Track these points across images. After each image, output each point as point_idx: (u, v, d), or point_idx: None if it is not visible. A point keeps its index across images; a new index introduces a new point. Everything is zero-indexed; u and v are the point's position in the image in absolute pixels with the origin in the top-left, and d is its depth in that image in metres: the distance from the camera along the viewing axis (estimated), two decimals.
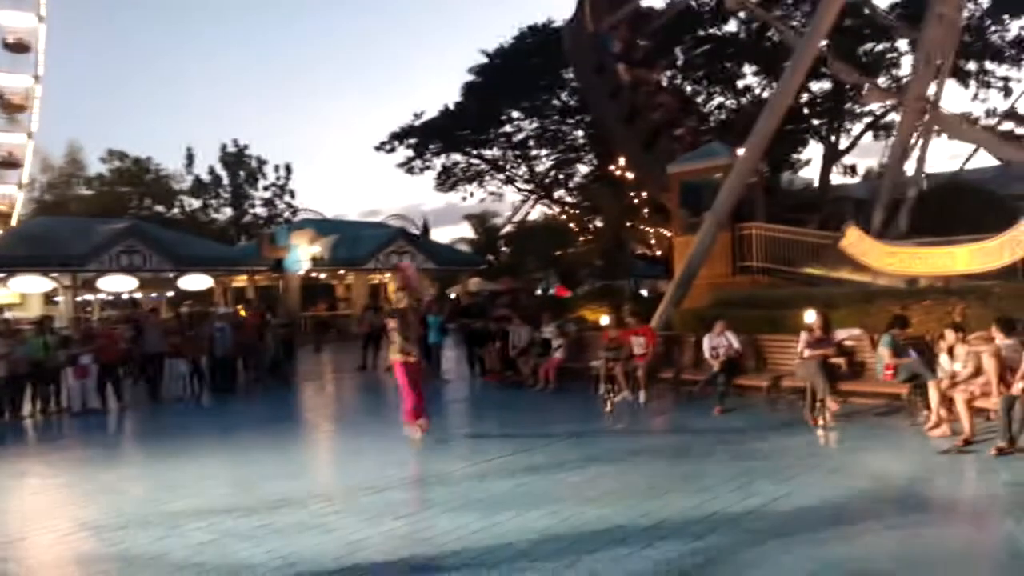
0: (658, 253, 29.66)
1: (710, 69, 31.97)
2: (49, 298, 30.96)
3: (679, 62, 32.81)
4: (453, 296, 35.96)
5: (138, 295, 31.42)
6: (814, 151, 36.44)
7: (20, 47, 50.74)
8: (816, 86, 28.41)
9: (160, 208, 46.30)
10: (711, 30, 31.79)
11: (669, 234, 22.14)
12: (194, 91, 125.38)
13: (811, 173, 34.97)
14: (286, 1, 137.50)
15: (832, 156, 30.41)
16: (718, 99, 33.47)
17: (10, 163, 51.86)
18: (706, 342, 11.03)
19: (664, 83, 25.38)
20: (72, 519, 6.59)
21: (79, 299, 28.97)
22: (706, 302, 14.57)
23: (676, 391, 11.72)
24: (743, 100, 31.38)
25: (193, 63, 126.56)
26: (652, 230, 27.74)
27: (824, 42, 16.85)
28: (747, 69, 31.04)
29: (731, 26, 30.88)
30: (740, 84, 31.67)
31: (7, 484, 8.14)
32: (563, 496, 6.52)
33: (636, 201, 25.93)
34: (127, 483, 7.85)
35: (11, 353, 12.41)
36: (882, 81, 26.76)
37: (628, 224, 28.39)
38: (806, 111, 29.40)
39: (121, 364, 14.18)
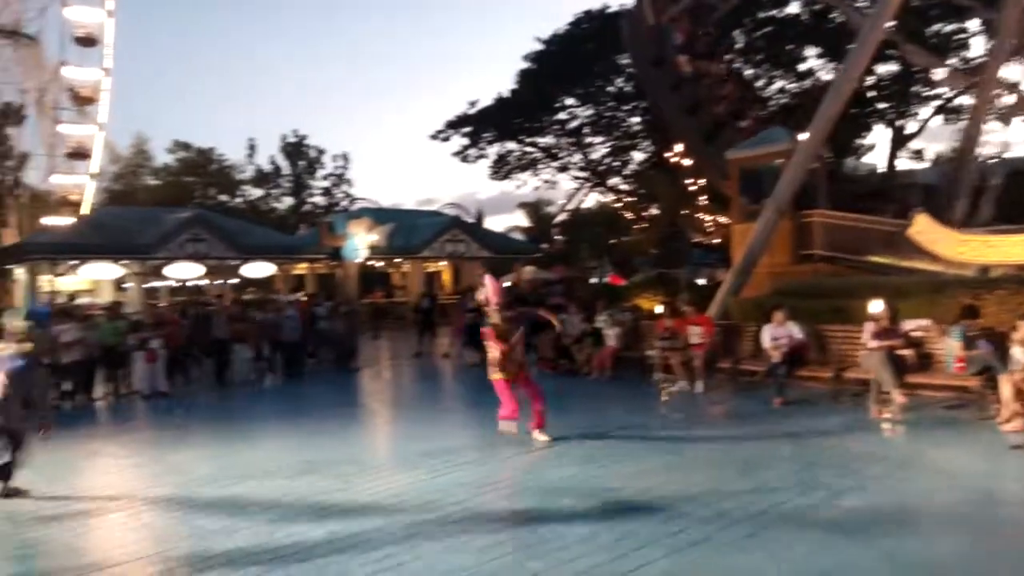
0: (716, 241, 29.15)
1: (771, 52, 31.26)
2: (119, 285, 32.11)
3: (739, 46, 32.17)
4: (508, 284, 36.05)
5: (203, 282, 32.36)
6: (880, 136, 35.36)
7: (89, 41, 52.44)
8: (882, 68, 27.48)
9: (223, 197, 47.49)
10: (772, 12, 31.04)
11: (727, 222, 21.76)
12: (256, 82, 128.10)
13: (876, 159, 33.93)
14: None
15: (899, 141, 29.44)
16: (779, 83, 32.72)
17: (80, 154, 53.71)
18: (766, 332, 10.79)
19: (728, 73, 24.82)
20: (142, 497, 6.84)
21: (147, 286, 29.95)
22: (766, 291, 14.29)
23: (735, 382, 11.53)
24: (805, 84, 30.56)
25: (254, 55, 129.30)
26: (710, 218, 27.28)
27: (891, 22, 16.26)
28: (809, 52, 30.22)
29: (793, 8, 30.09)
30: (802, 67, 30.87)
31: (81, 463, 8.49)
32: (618, 485, 6.48)
33: (693, 188, 25.52)
34: (194, 463, 8.10)
35: (84, 338, 12.91)
36: (953, 63, 25.72)
37: (685, 212, 27.98)
38: (871, 94, 28.48)
39: (188, 349, 14.61)
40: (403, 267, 36.39)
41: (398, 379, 15.58)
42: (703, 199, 26.09)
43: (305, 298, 19.69)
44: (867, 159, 34.76)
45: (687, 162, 23.67)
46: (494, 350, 8.33)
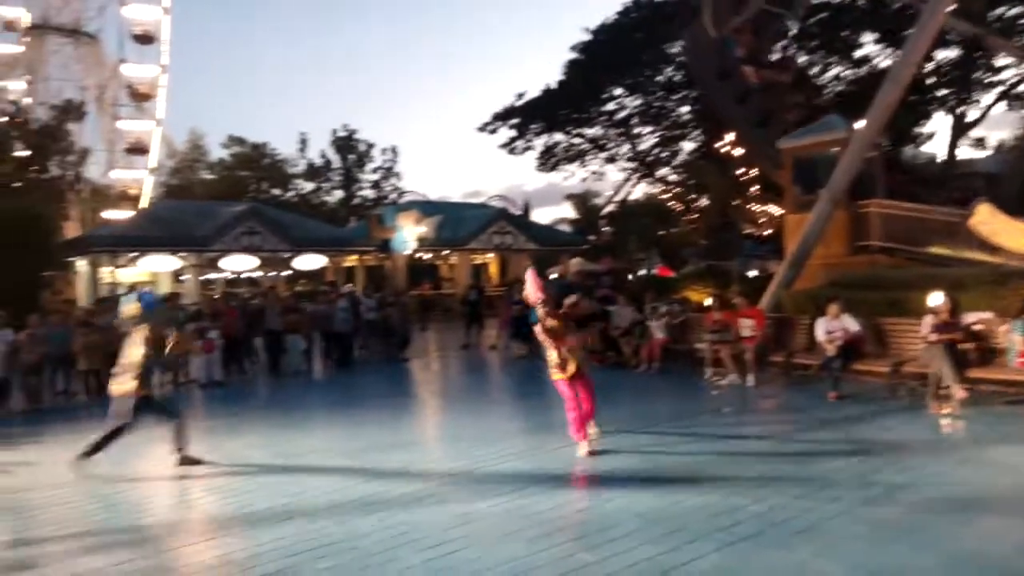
0: (768, 232, 28.61)
1: (826, 38, 30.45)
2: (177, 276, 33.01)
3: (792, 32, 31.41)
4: (555, 276, 35.97)
5: (257, 274, 33.06)
6: (940, 123, 34.28)
7: (146, 38, 54.06)
8: (942, 54, 26.58)
9: (276, 191, 48.41)
10: None
11: (780, 212, 21.34)
12: (307, 77, 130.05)
13: (937, 147, 32.90)
14: None
15: (960, 128, 28.45)
16: (835, 70, 31.89)
17: (139, 149, 55.48)
18: (820, 325, 10.57)
19: (797, 79, 24.23)
20: (199, 484, 7.05)
21: (204, 277, 30.72)
22: (820, 283, 13.99)
23: (787, 375, 11.33)
24: (861, 71, 29.74)
25: (306, 50, 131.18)
26: (761, 208, 26.79)
27: (951, 6, 15.71)
28: (866, 38, 29.37)
29: None
30: (858, 54, 30.02)
31: (140, 450, 8.77)
32: (669, 478, 6.44)
33: (744, 178, 25.09)
34: (250, 451, 8.30)
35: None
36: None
37: (735, 202, 27.53)
38: (931, 81, 27.57)
39: (244, 340, 14.95)
40: (450, 259, 36.63)
41: (446, 370, 15.70)
42: (755, 189, 25.64)
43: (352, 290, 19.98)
44: (927, 147, 33.70)
45: (738, 151, 23.28)
46: (551, 351, 7.82)
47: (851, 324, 10.34)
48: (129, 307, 8.12)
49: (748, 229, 31.75)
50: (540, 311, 7.87)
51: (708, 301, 13.68)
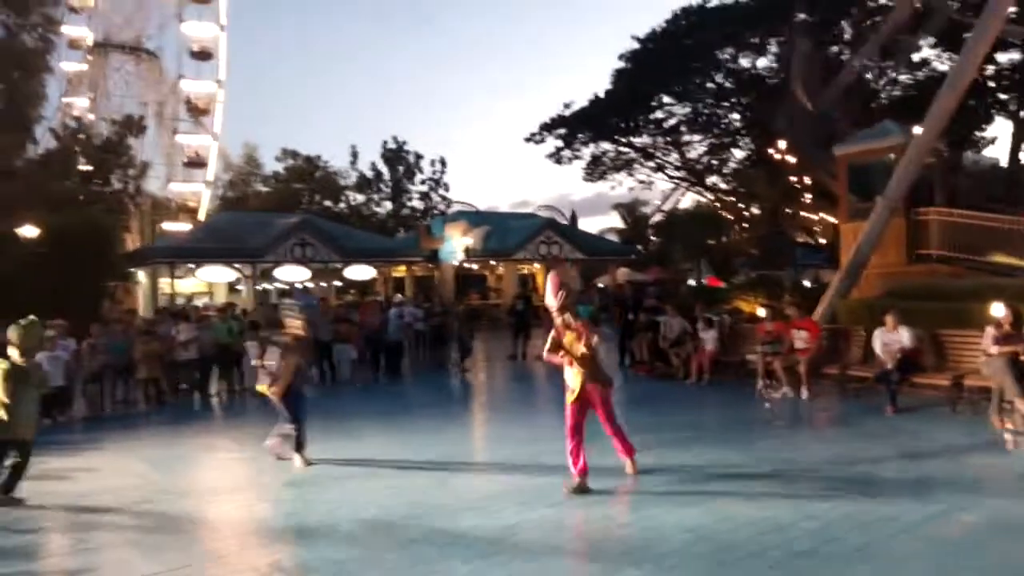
0: (822, 241, 28.02)
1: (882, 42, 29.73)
2: (232, 287, 33.81)
3: (847, 36, 30.85)
4: (602, 286, 35.82)
5: (309, 284, 33.66)
6: (1002, 128, 33.17)
7: (204, 55, 55.77)
8: (1003, 57, 25.76)
9: (328, 203, 49.27)
10: (882, 1, 29.60)
11: (835, 220, 20.87)
12: (357, 90, 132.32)
13: (999, 152, 31.81)
14: None
15: (1022, 133, 27.46)
16: (891, 74, 31.15)
17: (196, 163, 57.17)
18: (877, 336, 10.30)
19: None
20: (254, 489, 7.19)
21: (258, 287, 31.41)
22: (877, 293, 13.63)
23: (842, 388, 11.05)
24: (919, 74, 28.99)
25: (357, 64, 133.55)
26: (815, 216, 26.24)
27: (1012, 8, 15.22)
28: (923, 41, 28.60)
29: None
30: (915, 57, 29.25)
31: (197, 456, 9.00)
32: (720, 492, 6.33)
33: (797, 186, 24.62)
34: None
35: (198, 337, 13.66)
36: None
37: (788, 210, 27.05)
38: (992, 84, 26.72)
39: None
40: (498, 269, 36.77)
41: (493, 381, 15.72)
42: (808, 197, 25.14)
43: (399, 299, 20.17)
44: (988, 152, 32.65)
45: (791, 159, 22.87)
46: (567, 368, 6.83)
47: (909, 336, 10.03)
48: (292, 313, 8.40)
49: (801, 238, 31.18)
50: (557, 320, 6.88)
51: (760, 311, 13.45)
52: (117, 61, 58.21)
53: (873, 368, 10.39)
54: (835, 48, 31.78)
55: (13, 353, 7.08)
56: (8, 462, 6.96)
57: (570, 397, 6.82)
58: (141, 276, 30.34)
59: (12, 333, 7.17)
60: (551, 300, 6.86)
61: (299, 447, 7.99)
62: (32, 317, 7.45)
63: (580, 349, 6.66)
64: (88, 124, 47.54)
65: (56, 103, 55.34)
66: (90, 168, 38.34)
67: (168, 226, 46.01)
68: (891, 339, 10.09)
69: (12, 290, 18.73)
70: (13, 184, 38.21)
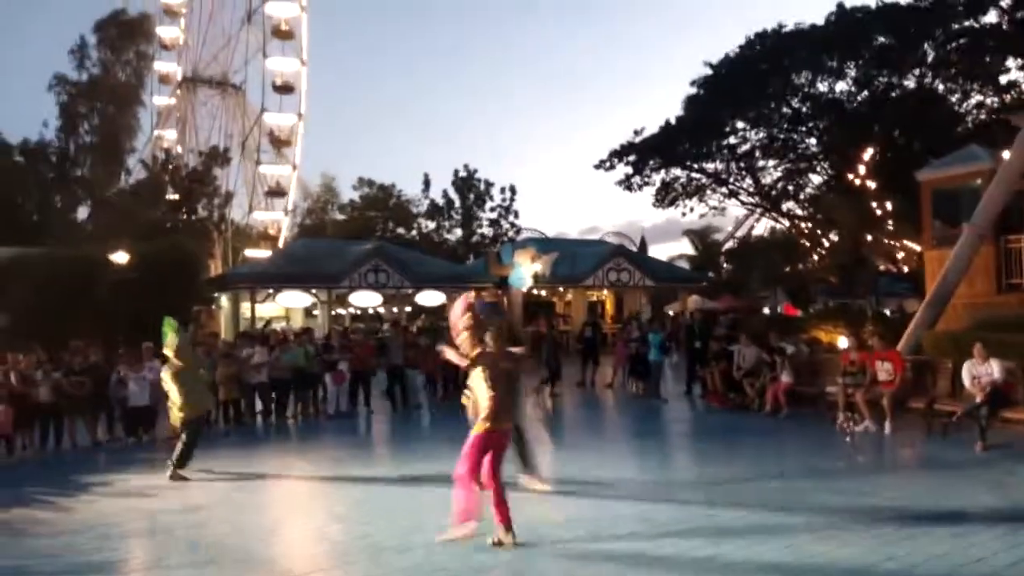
0: (905, 269, 26.99)
1: (966, 65, 28.79)
2: (309, 312, 34.72)
3: (930, 59, 29.94)
4: (673, 314, 35.32)
5: (381, 309, 34.30)
6: None
7: (286, 88, 58.05)
8: None
9: (400, 230, 50.25)
10: (966, 23, 28.66)
11: (919, 248, 20.11)
12: (432, 120, 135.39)
13: None
14: (511, 27, 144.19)
15: None
16: (976, 97, 30.06)
17: (277, 192, 59.32)
18: (966, 369, 9.83)
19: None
20: (326, 510, 7.32)
21: (333, 313, 32.17)
22: (965, 324, 13.04)
23: (928, 423, 10.54)
24: (1007, 97, 27.84)
25: (431, 94, 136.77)
26: (898, 243, 25.31)
27: None
28: (1011, 63, 27.54)
29: (990, 17, 27.60)
30: (1003, 80, 28.18)
31: (274, 476, 9.21)
32: (797, 530, 6.12)
33: (879, 212, 23.83)
34: (375, 480, 8.55)
35: (277, 360, 14.04)
36: None
37: (869, 237, 26.18)
38: None
39: (371, 373, 15.43)
40: (566, 296, 36.66)
41: (561, 408, 15.61)
42: (890, 223, 24.30)
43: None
44: None
45: (872, 184, 22.21)
46: (480, 393, 6.06)
47: (1000, 368, 9.53)
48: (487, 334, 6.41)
49: (883, 265, 30.12)
50: (465, 342, 6.25)
51: (841, 341, 13.01)
52: (205, 95, 61.17)
53: (961, 402, 9.91)
54: (917, 71, 30.92)
55: (170, 354, 9.00)
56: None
57: (479, 428, 5.94)
58: (224, 301, 31.48)
59: (168, 339, 9.21)
60: (455, 319, 6.43)
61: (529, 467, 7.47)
62: (168, 321, 9.30)
63: (479, 386, 5.97)
64: (176, 155, 50.03)
65: (147, 135, 58.59)
66: (178, 197, 40.25)
67: (249, 253, 47.73)
68: (981, 372, 9.62)
69: (104, 313, 19.74)
70: (107, 213, 40.48)
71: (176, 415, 9.14)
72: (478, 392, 6.04)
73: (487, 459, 5.83)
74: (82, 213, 47.66)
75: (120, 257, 20.73)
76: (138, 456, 10.88)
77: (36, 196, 44.44)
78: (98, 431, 12.11)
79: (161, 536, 6.70)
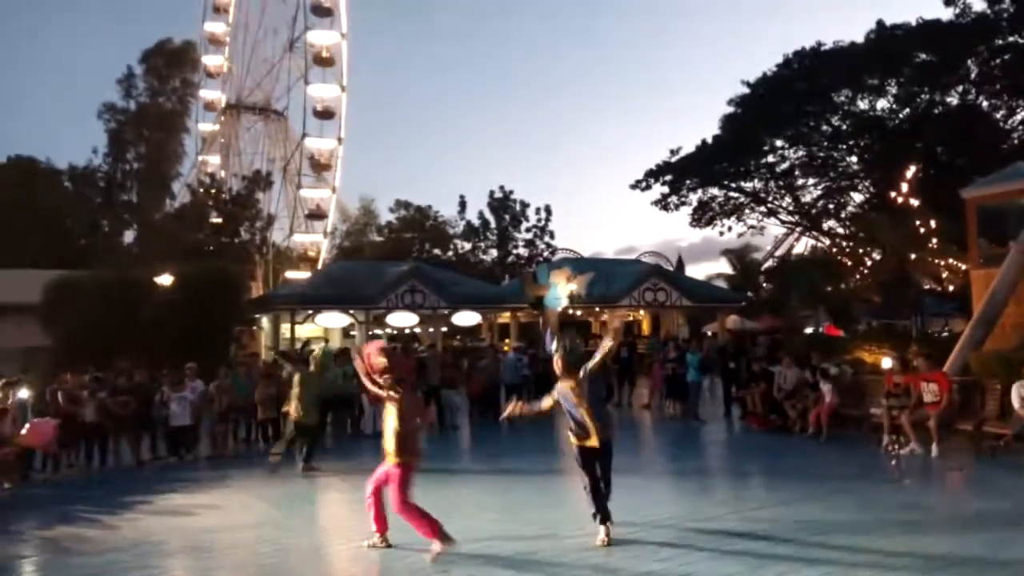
0: (951, 288, 26.35)
1: (1011, 81, 28.24)
2: (346, 332, 35.06)
3: (973, 75, 29.45)
4: (711, 334, 34.91)
5: (417, 330, 34.49)
6: None
7: (327, 114, 59.21)
8: None
9: (437, 251, 50.64)
10: (1011, 38, 28.17)
11: (964, 267, 19.64)
12: (469, 142, 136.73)
13: None
14: (545, 49, 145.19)
15: None
16: (1022, 114, 29.44)
17: (317, 215, 60.31)
18: (1016, 390, 9.55)
19: None
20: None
21: (371, 333, 32.44)
22: (1013, 344, 12.65)
23: (976, 446, 10.25)
24: None
25: (467, 116, 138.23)
26: (943, 262, 24.75)
27: None
28: None
29: None
30: None
31: (313, 495, 9.29)
32: (840, 557, 5.96)
33: (923, 230, 23.35)
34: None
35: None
36: None
37: (913, 256, 25.65)
38: None
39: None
40: (602, 316, 36.50)
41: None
42: (934, 241, 23.78)
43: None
44: None
45: (915, 202, 21.79)
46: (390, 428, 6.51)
47: None
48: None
49: (928, 285, 29.45)
50: (384, 380, 6.70)
51: (886, 362, 12.73)
52: (248, 121, 62.63)
53: (1011, 424, 9.62)
54: (960, 88, 30.42)
55: (312, 366, 10.95)
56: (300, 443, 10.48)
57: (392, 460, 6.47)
58: (264, 322, 31.96)
59: (315, 355, 11.58)
60: (372, 361, 6.78)
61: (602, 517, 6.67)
62: (327, 348, 11.27)
63: (389, 418, 6.52)
64: (220, 180, 51.20)
65: (192, 160, 60.13)
66: (221, 221, 41.13)
67: (290, 274, 48.45)
68: None
69: (149, 334, 20.19)
70: (152, 236, 41.54)
71: (292, 417, 10.69)
72: (389, 426, 6.53)
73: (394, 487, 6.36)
74: (128, 237, 49.01)
75: (165, 279, 21.22)
76: (181, 475, 11.06)
77: (85, 220, 45.84)
78: (141, 450, 12.34)
79: (203, 554, 6.78)
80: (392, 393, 6.56)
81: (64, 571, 6.39)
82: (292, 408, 10.73)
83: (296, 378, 10.94)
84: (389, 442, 6.47)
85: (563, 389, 6.66)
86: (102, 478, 11.18)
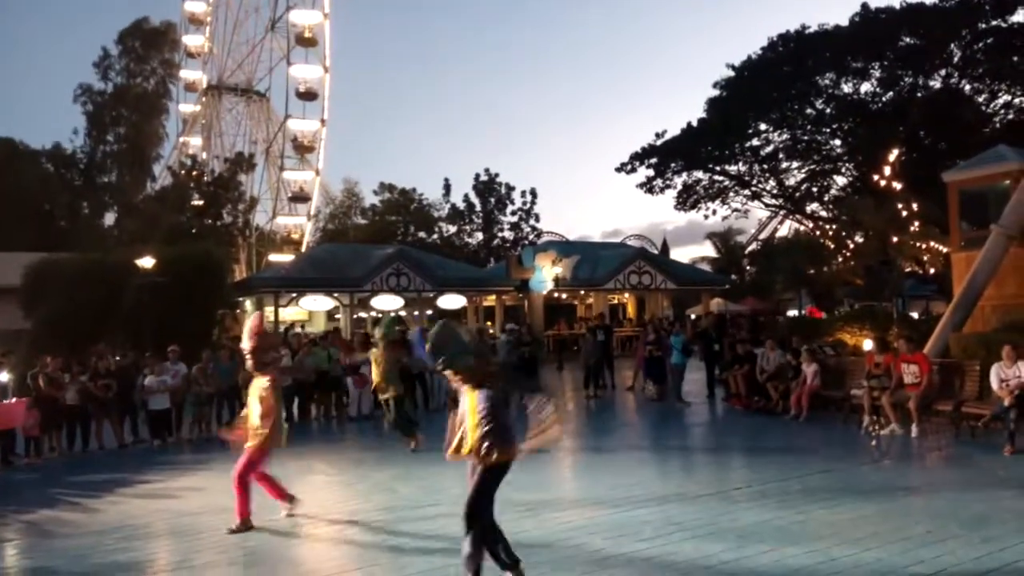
0: (931, 271, 26.61)
1: (993, 65, 28.41)
2: (331, 315, 34.92)
3: (956, 59, 29.59)
4: (693, 317, 35.09)
5: (402, 313, 34.42)
6: None
7: (310, 95, 58.58)
8: None
9: (422, 234, 50.45)
10: (993, 22, 28.31)
11: (945, 249, 19.81)
12: (452, 125, 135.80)
13: None
14: (531, 32, 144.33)
15: None
16: (1004, 97, 29.65)
17: (300, 197, 59.83)
18: (994, 371, 9.67)
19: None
20: (348, 512, 7.35)
21: (355, 316, 32.35)
22: (993, 326, 12.82)
23: (956, 426, 10.39)
24: None
25: (451, 99, 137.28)
26: (924, 245, 24.97)
27: None
28: None
29: (1018, 16, 27.25)
30: None
31: (296, 478, 9.25)
32: (822, 534, 6.04)
33: (904, 213, 23.53)
34: (396, 483, 8.58)
35: (300, 363, 14.13)
36: None
37: (895, 239, 25.86)
38: None
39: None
40: (588, 299, 36.59)
41: (580, 412, 15.56)
42: (916, 225, 23.98)
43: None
44: None
45: (897, 185, 21.93)
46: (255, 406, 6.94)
47: None
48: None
49: (909, 267, 29.73)
50: (249, 362, 7.09)
51: (867, 344, 12.86)
52: (230, 102, 61.86)
53: (989, 405, 9.75)
54: (943, 71, 30.56)
55: (378, 340, 11.03)
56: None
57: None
58: (248, 304, 31.77)
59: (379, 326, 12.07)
60: (245, 343, 7.06)
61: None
62: (390, 318, 11.89)
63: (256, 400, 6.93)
64: (202, 162, 50.63)
65: (173, 142, 59.38)
66: (203, 203, 40.72)
67: (273, 257, 48.12)
68: (1009, 374, 9.47)
69: (132, 317, 20.00)
70: (134, 218, 41.09)
71: (382, 395, 11.01)
72: (254, 404, 6.92)
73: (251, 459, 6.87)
74: (109, 219, 48.45)
75: (147, 262, 20.96)
76: (164, 458, 11.03)
77: (64, 202, 45.25)
78: (124, 433, 12.26)
79: (186, 537, 6.75)
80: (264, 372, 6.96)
81: (47, 554, 6.35)
82: (381, 384, 10.90)
83: (373, 355, 11.17)
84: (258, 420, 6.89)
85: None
86: (84, 461, 11.12)
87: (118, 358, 13.16)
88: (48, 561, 6.15)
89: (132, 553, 6.31)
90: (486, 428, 4.67)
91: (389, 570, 5.61)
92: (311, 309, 32.16)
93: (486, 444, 4.66)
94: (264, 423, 6.84)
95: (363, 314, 34.20)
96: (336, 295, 30.53)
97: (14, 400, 10.89)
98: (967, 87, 30.67)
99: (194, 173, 43.16)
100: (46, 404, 11.38)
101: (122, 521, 7.35)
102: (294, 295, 29.48)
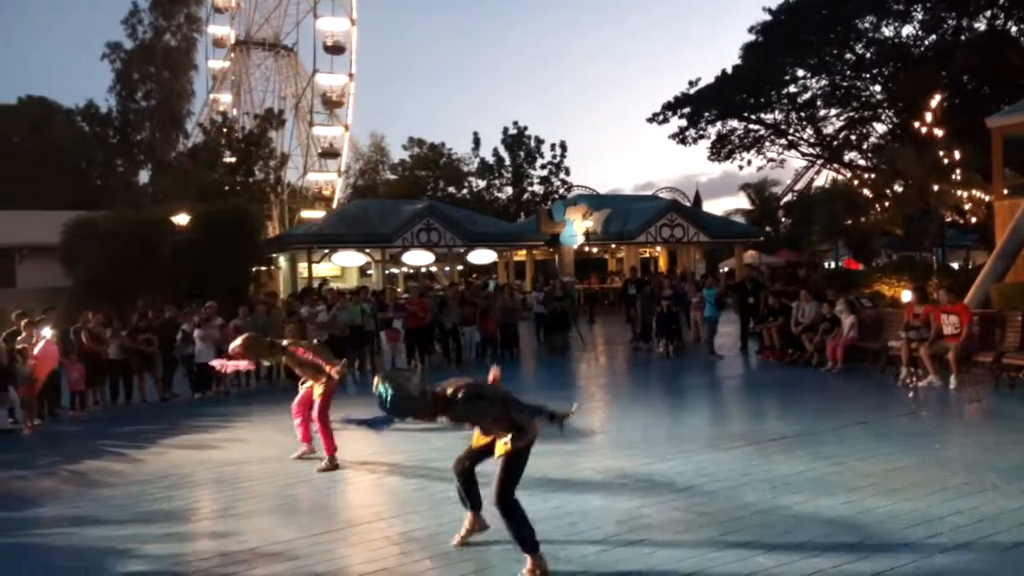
0: (973, 220, 25.93)
1: None
2: (363, 271, 35.20)
3: (1002, 0, 28.35)
4: (726, 269, 34.73)
5: (433, 268, 34.58)
6: None
7: (337, 49, 58.20)
8: None
9: (451, 189, 50.33)
10: None
11: (988, 198, 19.25)
12: (482, 78, 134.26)
13: None
14: None
15: None
16: None
17: (330, 153, 59.89)
18: None
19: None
20: (385, 462, 7.49)
21: (387, 272, 32.58)
22: None
23: (996, 377, 10.22)
24: None
25: (480, 51, 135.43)
26: (966, 193, 24.29)
27: None
28: None
29: None
30: None
31: (335, 431, 9.42)
32: (858, 485, 6.01)
33: (946, 161, 22.85)
34: (430, 434, 8.68)
35: (334, 318, 14.29)
36: None
37: (936, 187, 25.18)
38: None
39: (426, 331, 15.60)
40: (619, 253, 36.35)
41: (611, 364, 15.58)
42: (958, 173, 23.30)
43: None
44: None
45: (939, 132, 21.26)
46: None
47: None
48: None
49: (950, 217, 29.00)
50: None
51: (906, 295, 12.63)
52: (258, 58, 61.74)
53: None
54: (988, 13, 29.34)
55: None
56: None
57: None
58: (282, 261, 32.13)
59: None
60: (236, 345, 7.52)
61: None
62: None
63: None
64: (232, 118, 50.78)
65: (203, 99, 59.57)
66: (235, 160, 40.97)
67: (305, 214, 48.44)
68: None
69: (167, 272, 20.34)
70: (167, 176, 41.51)
71: None
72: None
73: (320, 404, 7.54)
74: (143, 176, 49.00)
75: (181, 219, 21.24)
76: (205, 410, 11.30)
77: (99, 160, 45.80)
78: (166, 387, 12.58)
79: (228, 486, 6.94)
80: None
81: (94, 503, 6.57)
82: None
83: None
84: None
85: None
86: (127, 414, 11.44)
87: (150, 314, 13.40)
88: (96, 510, 6.37)
89: (177, 502, 6.51)
90: (500, 428, 4.74)
91: (427, 517, 5.71)
92: (343, 265, 32.44)
93: (505, 440, 4.67)
94: (322, 373, 7.48)
95: (395, 269, 34.42)
96: (368, 251, 30.73)
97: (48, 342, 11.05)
98: (1013, 29, 29.41)
99: (225, 130, 43.33)
100: (89, 359, 11.68)
101: (166, 471, 7.57)
102: (326, 251, 29.73)
